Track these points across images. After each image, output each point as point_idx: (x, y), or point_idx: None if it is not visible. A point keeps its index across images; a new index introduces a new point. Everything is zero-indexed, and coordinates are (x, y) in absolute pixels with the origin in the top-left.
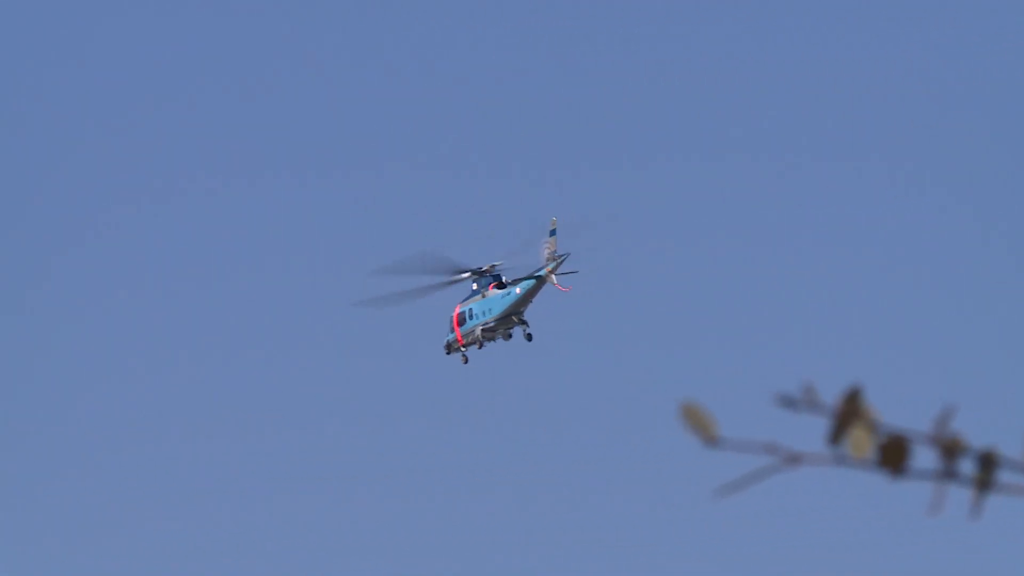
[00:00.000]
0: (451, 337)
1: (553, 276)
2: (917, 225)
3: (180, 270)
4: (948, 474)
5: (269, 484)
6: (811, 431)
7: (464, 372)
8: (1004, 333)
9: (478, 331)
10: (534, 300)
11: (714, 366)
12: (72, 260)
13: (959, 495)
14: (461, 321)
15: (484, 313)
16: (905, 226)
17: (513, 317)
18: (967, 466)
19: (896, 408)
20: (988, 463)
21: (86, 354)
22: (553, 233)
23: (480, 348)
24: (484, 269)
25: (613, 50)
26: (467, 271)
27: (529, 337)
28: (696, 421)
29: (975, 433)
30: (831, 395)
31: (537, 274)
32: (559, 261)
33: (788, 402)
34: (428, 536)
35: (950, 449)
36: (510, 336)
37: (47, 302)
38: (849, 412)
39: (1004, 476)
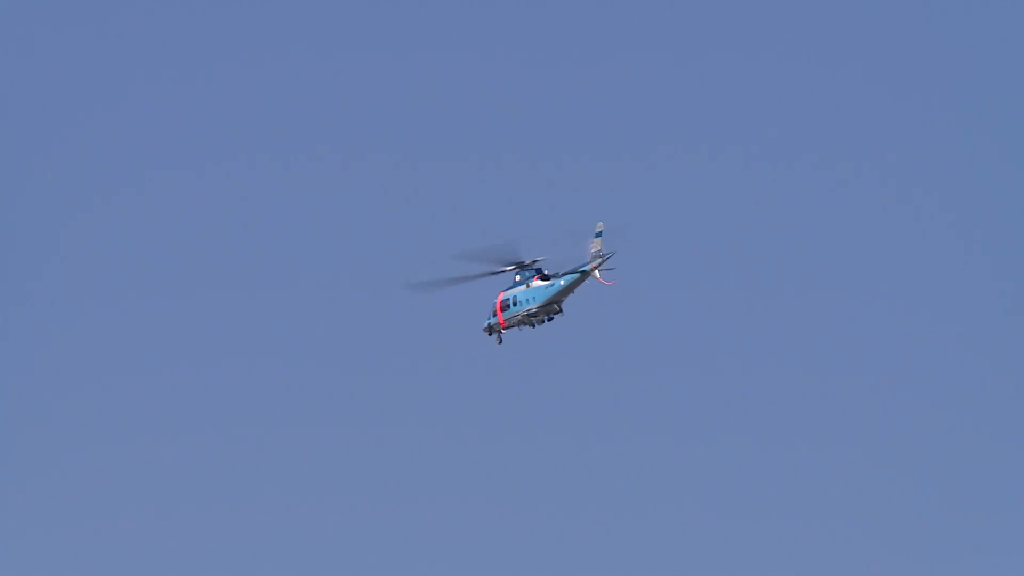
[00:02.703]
0: (493, 320)
1: (597, 272)
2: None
3: (197, 263)
4: None
5: (270, 481)
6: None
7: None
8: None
9: (521, 315)
10: (575, 291)
11: (744, 364)
12: (65, 255)
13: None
14: (505, 307)
15: (528, 301)
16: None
17: (555, 305)
18: None
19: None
20: None
21: (78, 352)
22: (599, 235)
23: (533, 328)
24: (528, 263)
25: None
26: (513, 264)
27: (551, 319)
28: None
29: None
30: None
31: (582, 268)
32: (604, 259)
33: None
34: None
35: None
36: (543, 322)
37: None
38: None
39: None
